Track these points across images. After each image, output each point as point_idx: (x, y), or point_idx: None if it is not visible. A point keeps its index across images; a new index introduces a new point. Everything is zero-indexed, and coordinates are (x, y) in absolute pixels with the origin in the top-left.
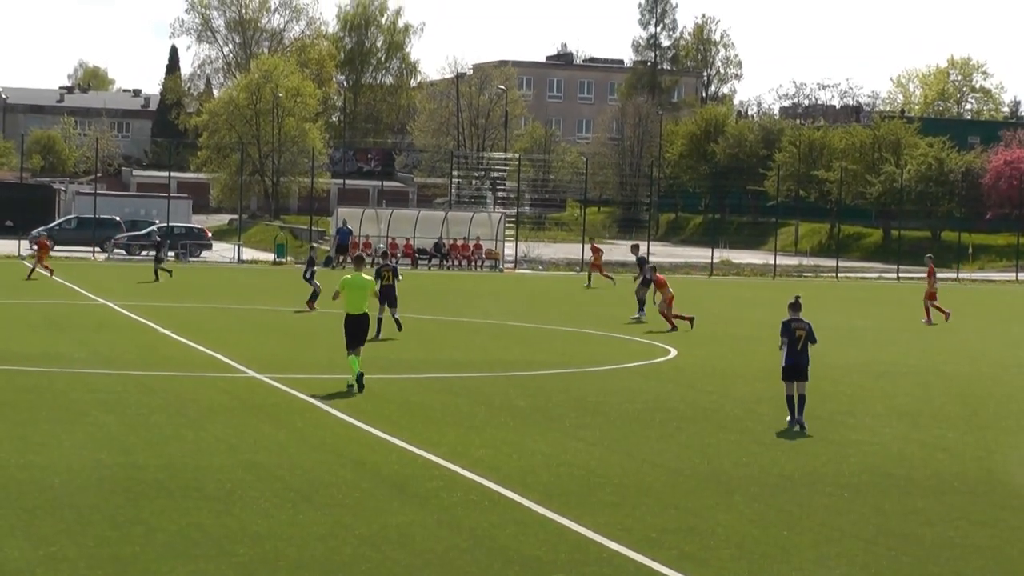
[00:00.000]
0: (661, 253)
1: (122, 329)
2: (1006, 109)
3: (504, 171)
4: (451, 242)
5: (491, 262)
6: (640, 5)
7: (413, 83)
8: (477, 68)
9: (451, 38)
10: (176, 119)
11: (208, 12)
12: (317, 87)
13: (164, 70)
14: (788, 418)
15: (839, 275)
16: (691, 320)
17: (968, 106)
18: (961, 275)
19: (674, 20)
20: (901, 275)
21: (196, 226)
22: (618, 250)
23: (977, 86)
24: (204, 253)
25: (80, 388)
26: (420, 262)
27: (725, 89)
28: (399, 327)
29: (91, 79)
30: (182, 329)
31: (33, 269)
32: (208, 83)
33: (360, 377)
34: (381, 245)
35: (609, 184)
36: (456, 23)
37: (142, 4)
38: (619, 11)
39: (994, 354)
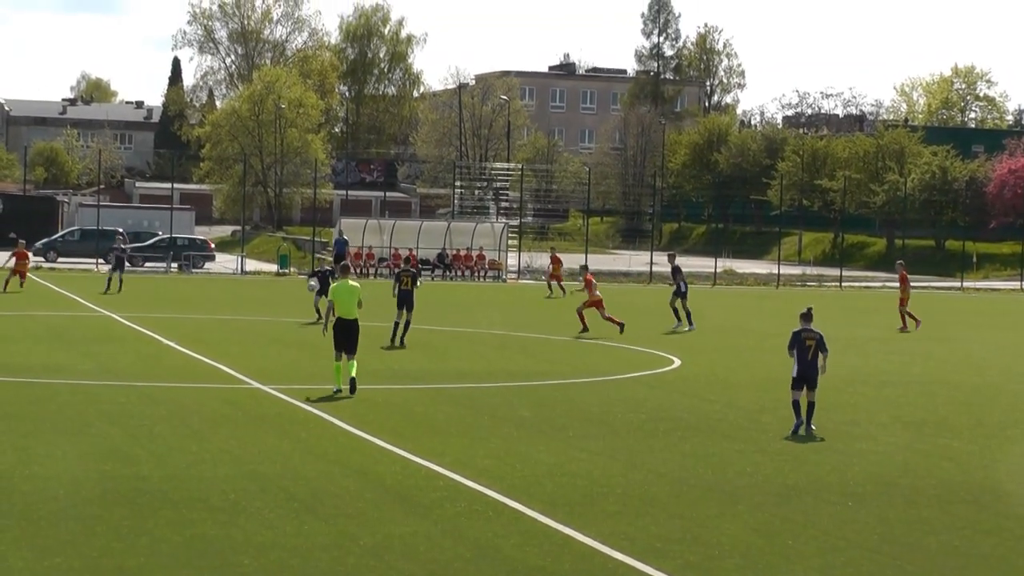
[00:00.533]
0: (665, 263)
1: (125, 340)
2: (1010, 117)
3: (507, 181)
4: (454, 252)
5: (494, 272)
6: (643, 15)
7: (416, 94)
8: (480, 78)
9: (453, 48)
10: (179, 131)
11: (211, 23)
12: (320, 98)
13: (167, 82)
14: (795, 422)
15: (843, 284)
16: (621, 326)
17: (972, 115)
18: (965, 284)
19: (677, 30)
20: None
21: (199, 237)
22: (621, 260)
23: (981, 94)
24: (207, 264)
25: (84, 400)
26: (423, 272)
27: (728, 99)
28: (406, 329)
29: (94, 91)
30: (185, 340)
31: (7, 281)
32: (211, 94)
33: (352, 382)
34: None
35: (612, 194)
36: (459, 33)
37: (145, 16)
38: (622, 21)
39: (999, 363)
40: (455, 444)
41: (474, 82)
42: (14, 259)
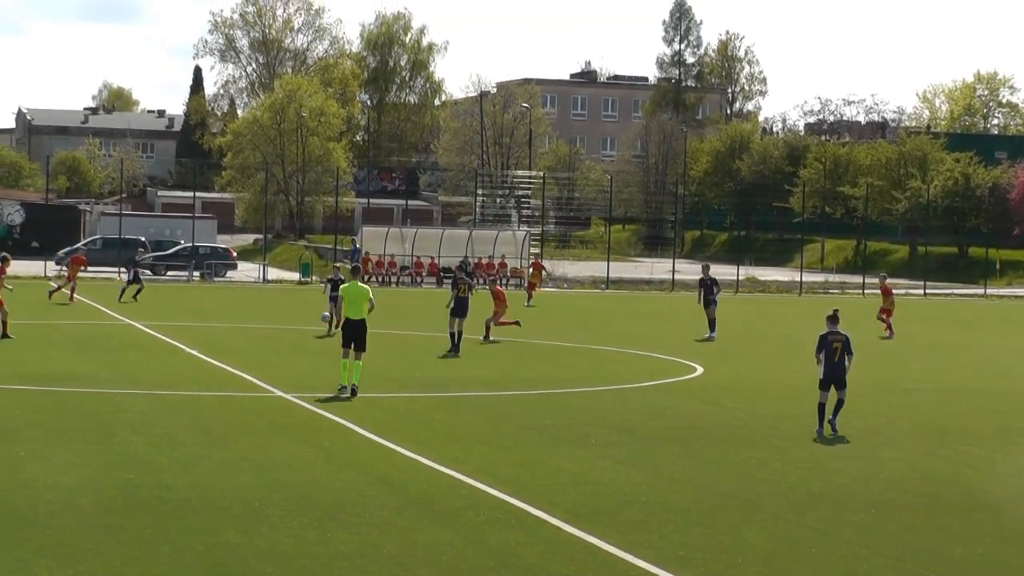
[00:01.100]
0: (687, 270)
1: (148, 349)
2: None
3: (528, 189)
4: (476, 260)
5: (516, 280)
6: (664, 22)
7: (437, 102)
8: (501, 86)
9: (475, 56)
10: (200, 139)
11: (232, 32)
12: (341, 106)
13: (188, 91)
14: (817, 428)
15: (865, 292)
16: (516, 323)
17: (995, 121)
18: (989, 291)
19: (698, 37)
20: (928, 291)
21: (221, 246)
22: (642, 267)
23: (1004, 101)
24: (229, 273)
25: (107, 408)
26: (445, 281)
27: (750, 106)
28: (459, 338)
29: (115, 100)
30: (208, 349)
31: (57, 289)
32: (232, 103)
33: (354, 388)
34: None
35: (634, 202)
36: (480, 42)
37: (166, 25)
38: (643, 28)
39: (1022, 370)
40: (477, 452)
41: (495, 90)
42: (71, 266)
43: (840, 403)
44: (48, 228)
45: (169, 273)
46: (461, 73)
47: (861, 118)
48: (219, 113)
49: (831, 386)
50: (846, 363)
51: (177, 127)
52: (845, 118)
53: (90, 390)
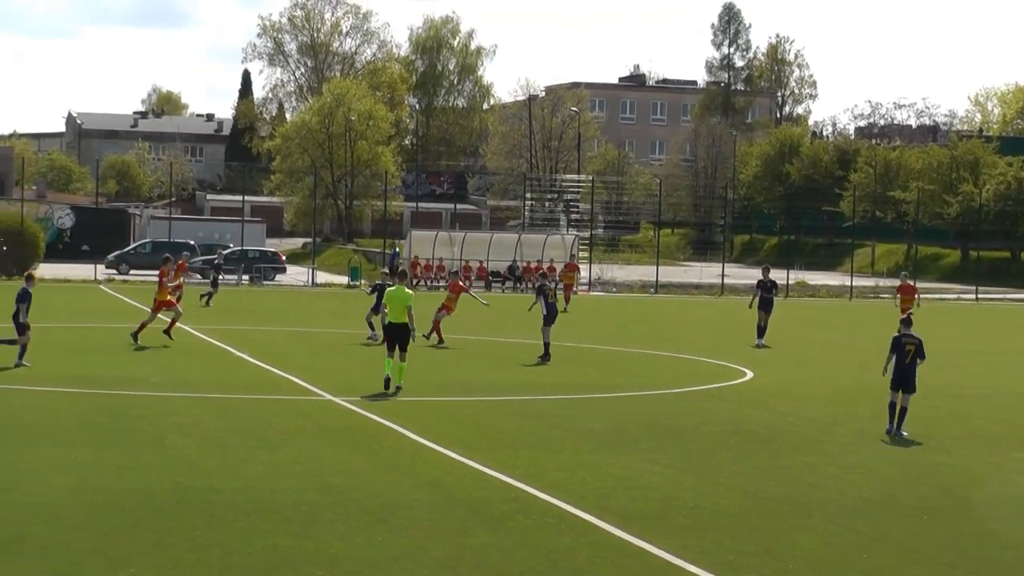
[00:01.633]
0: (736, 275)
1: (198, 353)
2: None
3: (577, 193)
4: (525, 264)
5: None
6: (713, 26)
7: (485, 106)
8: (549, 90)
9: (523, 60)
10: (249, 143)
11: (280, 36)
12: (389, 110)
13: (237, 95)
14: (887, 427)
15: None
16: (439, 337)
17: None
18: None
19: (748, 40)
20: (980, 296)
21: (270, 250)
22: (692, 272)
23: None
24: (278, 277)
25: (157, 412)
26: (494, 285)
27: (800, 109)
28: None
29: (164, 104)
30: (257, 352)
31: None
32: (280, 107)
33: (393, 383)
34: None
35: (683, 206)
36: (528, 45)
37: (215, 29)
38: (692, 32)
39: None
40: (526, 456)
41: (544, 94)
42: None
43: (903, 411)
44: (98, 232)
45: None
46: (509, 77)
47: (912, 121)
48: (268, 117)
49: (900, 388)
50: (918, 365)
51: (226, 131)
52: (896, 121)
53: (141, 393)
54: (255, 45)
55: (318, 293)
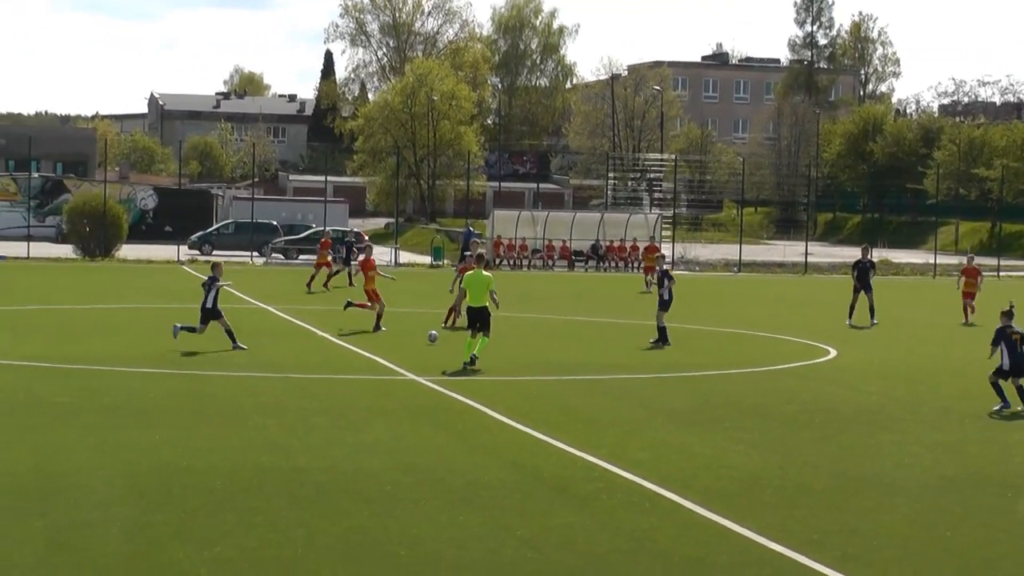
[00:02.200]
0: (819, 253)
1: (281, 333)
2: None
3: (660, 172)
4: (608, 244)
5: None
6: (796, 4)
7: (568, 85)
8: (632, 69)
9: (606, 39)
10: (331, 123)
11: (362, 16)
12: (472, 90)
13: (319, 75)
14: (1002, 404)
15: (1000, 274)
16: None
17: None
18: None
19: (831, 18)
20: None
21: (353, 230)
22: (775, 250)
23: None
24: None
25: (241, 392)
26: (577, 264)
27: (883, 87)
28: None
29: (247, 85)
30: (340, 333)
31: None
32: (363, 87)
33: (473, 357)
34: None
35: (766, 184)
36: (611, 24)
37: (297, 10)
38: (775, 10)
39: None
40: (610, 436)
41: (626, 73)
42: (320, 251)
43: (1021, 389)
44: (180, 213)
45: (301, 257)
46: (592, 56)
47: (996, 99)
48: (350, 97)
49: (1010, 376)
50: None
51: (308, 111)
52: (980, 99)
53: (224, 373)
54: (337, 25)
55: (401, 273)
